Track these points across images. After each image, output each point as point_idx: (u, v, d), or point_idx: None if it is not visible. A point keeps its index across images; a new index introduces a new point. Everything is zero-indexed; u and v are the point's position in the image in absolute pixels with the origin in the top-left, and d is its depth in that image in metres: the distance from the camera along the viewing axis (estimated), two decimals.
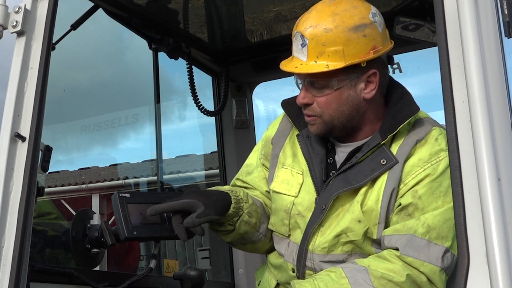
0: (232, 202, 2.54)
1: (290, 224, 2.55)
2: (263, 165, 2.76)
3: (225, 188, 2.64)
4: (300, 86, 2.50)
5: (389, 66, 2.56)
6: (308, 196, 2.51)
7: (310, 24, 2.40)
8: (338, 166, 2.51)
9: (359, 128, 2.51)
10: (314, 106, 2.47)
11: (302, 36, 2.40)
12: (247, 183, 2.77)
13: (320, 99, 2.45)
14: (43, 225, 3.77)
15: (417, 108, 2.46)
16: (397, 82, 2.59)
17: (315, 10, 2.44)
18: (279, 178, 2.61)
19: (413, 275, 2.27)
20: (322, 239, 2.45)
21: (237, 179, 2.82)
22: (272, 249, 2.72)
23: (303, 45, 2.40)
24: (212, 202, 2.47)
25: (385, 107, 2.53)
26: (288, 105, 2.68)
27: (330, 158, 2.55)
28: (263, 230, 2.66)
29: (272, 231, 2.67)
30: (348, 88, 2.42)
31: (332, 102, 2.44)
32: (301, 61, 2.41)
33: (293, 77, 2.54)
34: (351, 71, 2.39)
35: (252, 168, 2.79)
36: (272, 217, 2.64)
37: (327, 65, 2.36)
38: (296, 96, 2.54)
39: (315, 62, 2.38)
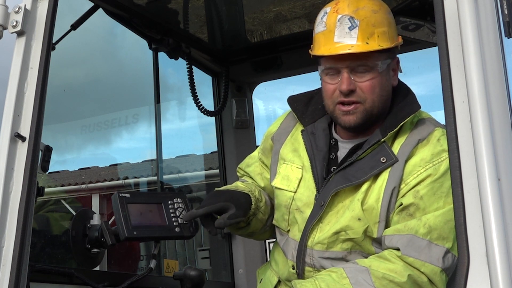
0: (252, 203, 2.63)
1: (289, 220, 2.58)
2: (260, 159, 2.81)
3: (243, 188, 2.70)
4: (329, 75, 2.46)
5: None
6: (307, 192, 2.52)
7: (356, 7, 2.41)
8: (339, 161, 2.52)
9: (376, 122, 2.50)
10: (358, 92, 2.44)
11: (352, 18, 2.40)
12: (247, 174, 2.87)
13: (364, 84, 2.43)
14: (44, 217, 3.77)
15: (418, 106, 2.46)
16: (402, 82, 2.60)
17: None
18: (280, 174, 2.64)
19: (414, 275, 2.27)
20: (321, 235, 2.46)
21: (239, 168, 2.93)
22: (270, 238, 2.81)
23: (351, 27, 2.40)
24: (241, 204, 2.56)
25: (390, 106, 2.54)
26: (295, 101, 2.69)
27: (333, 154, 2.56)
28: (269, 223, 2.75)
29: (276, 226, 2.71)
30: (386, 72, 2.47)
31: (376, 86, 2.44)
32: (349, 45, 2.39)
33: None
34: (388, 56, 2.45)
35: (253, 161, 2.87)
36: (276, 212, 2.69)
37: (379, 45, 2.39)
38: (303, 93, 2.56)
39: (367, 43, 2.39)
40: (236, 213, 2.51)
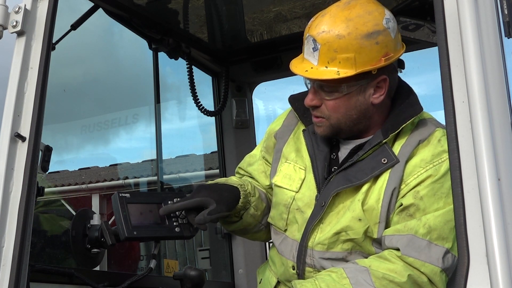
0: (241, 197, 2.59)
1: (288, 219, 2.57)
2: (264, 157, 2.79)
3: (234, 181, 2.67)
4: (309, 86, 2.50)
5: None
6: (308, 192, 2.52)
7: (323, 29, 2.37)
8: (340, 162, 2.52)
9: (365, 131, 2.51)
10: (322, 108, 2.47)
11: (314, 40, 2.38)
12: (249, 173, 2.82)
13: (328, 103, 2.44)
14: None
15: (420, 108, 2.46)
16: (405, 82, 2.59)
17: (329, 14, 2.41)
18: (282, 172, 2.63)
19: (414, 276, 2.27)
20: (321, 235, 2.46)
21: (239, 168, 2.88)
22: (270, 239, 2.76)
23: (314, 49, 2.39)
24: (224, 199, 2.52)
25: (391, 108, 2.53)
26: (296, 100, 2.69)
27: (334, 154, 2.56)
28: (264, 221, 2.72)
29: (271, 224, 2.70)
30: (357, 93, 2.42)
31: (341, 106, 2.43)
32: (311, 64, 2.40)
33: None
34: (361, 78, 2.38)
35: (254, 160, 2.83)
36: (272, 210, 2.67)
37: (338, 72, 2.35)
38: (304, 92, 2.55)
39: (326, 67, 2.37)
40: (217, 208, 2.47)
